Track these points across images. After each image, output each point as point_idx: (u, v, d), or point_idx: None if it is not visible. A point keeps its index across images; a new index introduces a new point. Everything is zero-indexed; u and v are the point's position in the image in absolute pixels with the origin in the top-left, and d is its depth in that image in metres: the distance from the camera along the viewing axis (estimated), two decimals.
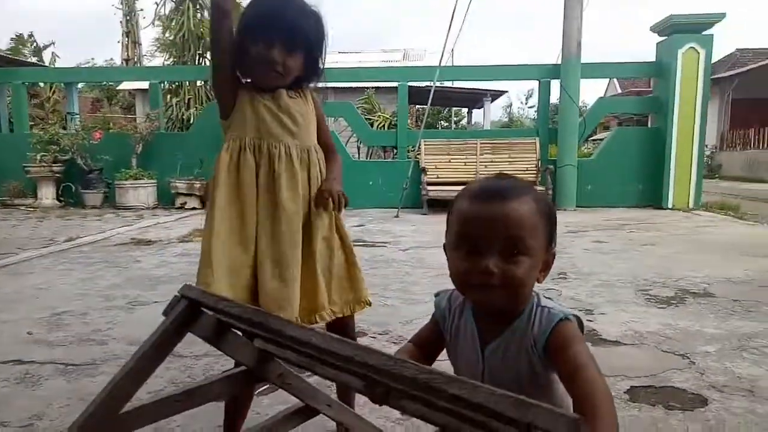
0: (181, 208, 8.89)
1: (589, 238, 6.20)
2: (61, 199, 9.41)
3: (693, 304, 3.56)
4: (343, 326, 1.74)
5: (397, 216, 8.23)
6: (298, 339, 0.85)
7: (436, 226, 7.27)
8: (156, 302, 3.59)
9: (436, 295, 1.18)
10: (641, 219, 7.94)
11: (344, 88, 12.67)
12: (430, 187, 8.82)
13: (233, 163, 1.61)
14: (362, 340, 2.85)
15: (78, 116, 11.42)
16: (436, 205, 8.76)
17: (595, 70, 9.70)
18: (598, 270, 4.56)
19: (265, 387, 2.14)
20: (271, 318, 0.92)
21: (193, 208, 8.87)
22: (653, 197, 9.34)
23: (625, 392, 2.24)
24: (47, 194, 9.21)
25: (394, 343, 2.82)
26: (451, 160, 9.38)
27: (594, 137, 19.66)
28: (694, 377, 2.38)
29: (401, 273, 4.56)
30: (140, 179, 9.07)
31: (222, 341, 1.16)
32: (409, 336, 2.91)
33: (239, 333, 1.19)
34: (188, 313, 1.06)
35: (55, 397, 2.19)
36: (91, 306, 3.53)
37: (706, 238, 6.32)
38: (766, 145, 18.46)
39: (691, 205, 9.13)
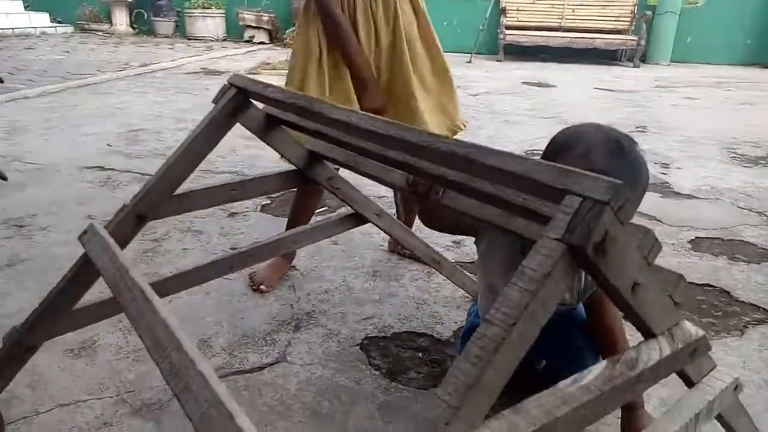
0: (249, 41, 8.77)
1: (679, 95, 5.68)
2: (135, 26, 9.48)
3: None
4: None
5: (470, 62, 7.79)
6: (339, 120, 0.81)
7: (511, 72, 6.85)
8: None
9: None
10: (744, 77, 7.14)
11: None
12: (508, 31, 8.16)
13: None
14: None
15: None
16: (514, 52, 8.18)
17: None
18: (682, 125, 4.22)
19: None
20: (315, 101, 0.88)
21: (261, 43, 8.73)
22: (763, 54, 8.29)
23: (688, 242, 2.16)
24: (121, 20, 9.28)
25: None
26: (536, 1, 8.54)
27: None
28: None
29: (467, 117, 4.40)
30: (208, 9, 8.90)
31: (271, 137, 1.15)
32: None
33: (289, 131, 1.17)
34: (236, 102, 1.04)
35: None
36: (165, 126, 3.67)
37: None
38: None
39: None
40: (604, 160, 0.90)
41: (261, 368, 1.34)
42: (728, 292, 1.79)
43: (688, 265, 1.97)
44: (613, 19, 8.18)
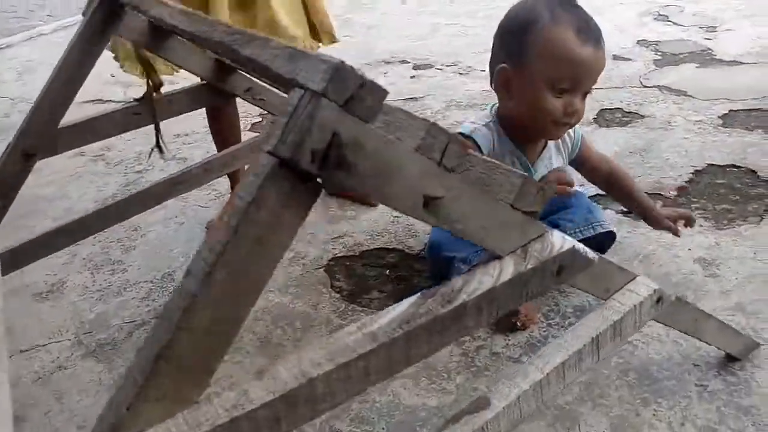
0: None
1: None
2: None
3: None
4: None
5: None
6: (156, 17, 0.68)
7: None
8: None
9: (467, 134, 1.09)
10: None
11: None
12: None
13: None
14: (427, 72, 2.62)
15: None
16: None
17: None
18: None
19: None
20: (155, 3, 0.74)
21: None
22: None
23: (719, 116, 1.88)
24: None
25: (461, 73, 2.56)
26: None
27: None
28: None
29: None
30: None
31: (166, 49, 1.02)
32: (480, 66, 2.61)
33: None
34: (106, 10, 0.92)
35: None
36: None
37: None
38: None
39: None
40: (569, 12, 0.99)
41: None
42: (755, 172, 1.56)
43: (713, 143, 1.72)
44: None
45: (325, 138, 0.36)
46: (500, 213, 0.49)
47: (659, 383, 0.98)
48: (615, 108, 2.03)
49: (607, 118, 1.98)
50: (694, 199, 1.48)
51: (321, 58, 0.35)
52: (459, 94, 2.32)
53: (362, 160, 0.38)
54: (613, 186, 1.25)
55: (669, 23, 2.91)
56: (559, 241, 0.53)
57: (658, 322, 0.74)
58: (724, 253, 1.27)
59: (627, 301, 0.62)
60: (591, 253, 0.56)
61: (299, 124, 0.35)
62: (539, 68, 0.98)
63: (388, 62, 2.81)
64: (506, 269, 0.50)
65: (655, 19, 3.00)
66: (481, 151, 1.05)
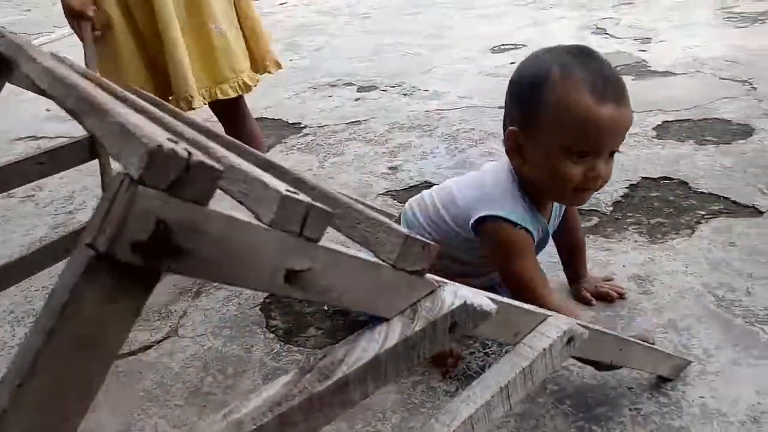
0: None
1: None
2: None
3: None
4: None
5: None
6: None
7: None
8: None
9: (518, 223, 0.94)
10: None
11: None
12: None
13: None
14: (371, 94, 2.62)
15: None
16: None
17: None
18: None
19: None
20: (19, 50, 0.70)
21: None
22: None
23: (653, 128, 1.92)
24: None
25: (405, 94, 2.56)
26: None
27: None
28: (747, 106, 1.98)
29: (440, 17, 4.03)
30: None
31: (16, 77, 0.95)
32: (423, 87, 2.60)
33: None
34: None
35: None
36: None
37: None
38: None
39: None
40: (582, 67, 0.85)
41: (147, 348, 1.24)
42: (687, 183, 1.59)
43: (647, 156, 1.75)
44: None
45: (148, 227, 0.32)
46: (382, 275, 0.47)
47: (594, 410, 0.96)
48: None
49: None
50: (629, 214, 1.49)
51: (142, 139, 0.32)
52: (402, 116, 2.32)
53: (203, 245, 0.35)
54: (570, 253, 1.20)
55: (606, 36, 2.99)
56: (450, 296, 0.50)
57: (580, 359, 0.73)
58: (658, 268, 1.28)
59: (537, 345, 0.60)
60: (489, 305, 0.53)
61: (117, 213, 0.32)
62: (552, 134, 0.86)
63: (333, 85, 2.79)
64: (392, 333, 0.47)
65: (593, 32, 3.07)
66: (533, 238, 0.97)
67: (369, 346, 0.46)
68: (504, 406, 0.59)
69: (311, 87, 2.79)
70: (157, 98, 1.04)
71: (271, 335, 1.24)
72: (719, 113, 1.96)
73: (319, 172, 1.94)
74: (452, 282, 0.53)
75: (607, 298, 1.18)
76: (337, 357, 0.46)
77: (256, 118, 2.50)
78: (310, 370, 0.45)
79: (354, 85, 2.76)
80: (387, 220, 0.50)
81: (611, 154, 0.90)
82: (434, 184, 1.77)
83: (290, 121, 2.40)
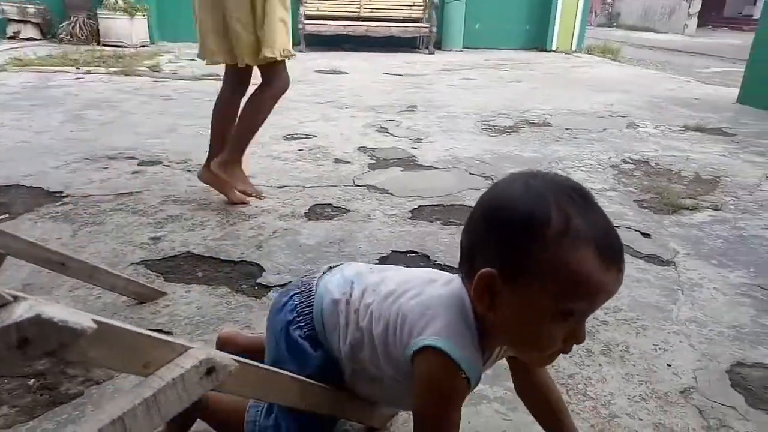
0: (14, 37, 7.58)
1: (459, 76, 5.99)
2: None
3: (526, 132, 3.50)
4: None
5: None
6: None
7: (307, 63, 6.69)
8: None
9: (463, 367, 0.78)
10: (522, 60, 7.80)
11: None
12: (308, 21, 8.05)
13: None
14: (152, 168, 2.53)
15: None
16: (316, 43, 8.08)
17: None
18: (450, 103, 4.39)
19: None
20: None
21: (30, 39, 7.61)
22: (539, 39, 9.16)
23: (410, 211, 2.13)
24: None
25: (189, 170, 2.52)
26: None
27: None
28: None
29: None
30: None
31: None
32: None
33: None
34: None
35: None
36: None
37: (575, 76, 6.31)
38: None
39: (573, 47, 9.09)
40: (585, 219, 0.72)
41: None
42: (428, 256, 1.76)
43: (400, 233, 1.92)
44: (407, 7, 8.46)
45: None
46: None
47: None
48: (326, 204, 2.17)
49: (317, 212, 2.09)
50: None
51: None
52: (181, 189, 2.27)
53: None
54: (555, 421, 0.99)
55: (387, 134, 3.32)
56: (22, 309, 0.47)
57: (232, 392, 0.72)
58: None
59: (168, 376, 0.59)
60: (82, 323, 0.50)
61: None
62: (543, 292, 0.73)
63: (112, 158, 2.66)
64: None
65: (377, 130, 3.40)
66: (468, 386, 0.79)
67: None
68: None
69: (86, 158, 2.62)
70: None
71: None
72: (465, 200, 2.25)
73: (69, 241, 1.78)
74: (38, 298, 0.49)
75: None
76: None
77: (12, 185, 2.26)
78: None
79: (136, 159, 2.66)
80: None
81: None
82: (198, 256, 1.74)
83: (51, 190, 2.21)
